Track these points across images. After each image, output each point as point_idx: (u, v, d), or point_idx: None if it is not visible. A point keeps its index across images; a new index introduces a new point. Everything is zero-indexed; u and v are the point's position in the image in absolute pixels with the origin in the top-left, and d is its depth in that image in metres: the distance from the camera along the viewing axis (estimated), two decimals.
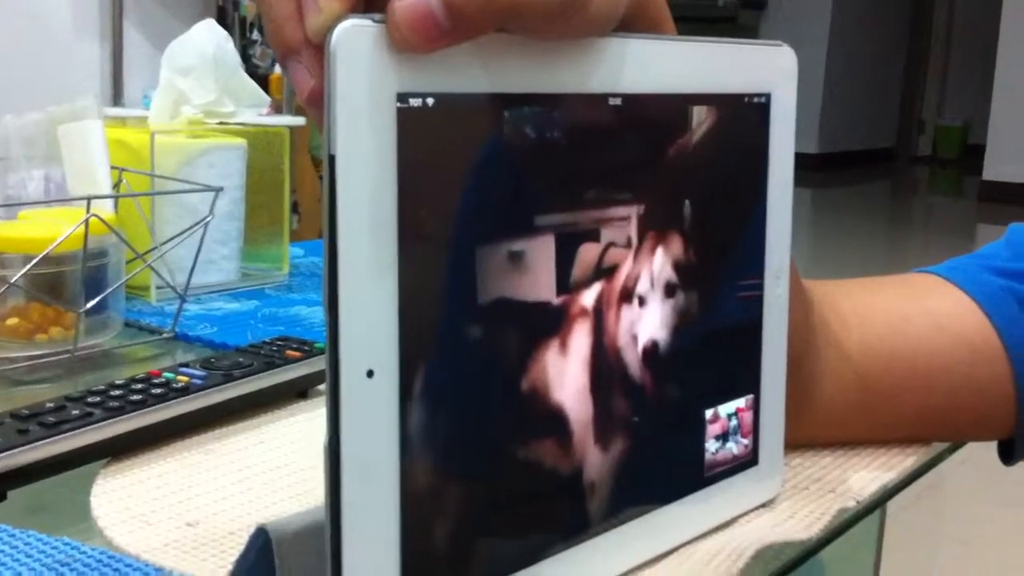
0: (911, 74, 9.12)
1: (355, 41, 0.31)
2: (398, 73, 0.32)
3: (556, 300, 0.38)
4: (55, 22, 3.55)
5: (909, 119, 9.20)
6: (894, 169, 8.83)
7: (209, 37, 0.88)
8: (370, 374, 0.32)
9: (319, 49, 0.31)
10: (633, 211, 0.41)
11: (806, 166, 7.60)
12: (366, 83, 0.31)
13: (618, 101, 0.39)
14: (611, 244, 0.40)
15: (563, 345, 0.39)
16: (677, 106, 0.42)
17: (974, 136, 8.32)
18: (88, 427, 0.52)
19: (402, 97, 0.32)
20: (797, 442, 0.55)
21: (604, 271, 0.40)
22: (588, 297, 0.39)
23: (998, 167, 6.68)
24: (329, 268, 0.31)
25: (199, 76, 0.88)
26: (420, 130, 0.32)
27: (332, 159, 0.30)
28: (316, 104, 0.31)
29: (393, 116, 0.32)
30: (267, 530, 0.36)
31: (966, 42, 8.88)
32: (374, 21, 0.31)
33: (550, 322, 0.38)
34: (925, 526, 2.18)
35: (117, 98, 3.58)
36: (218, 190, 0.76)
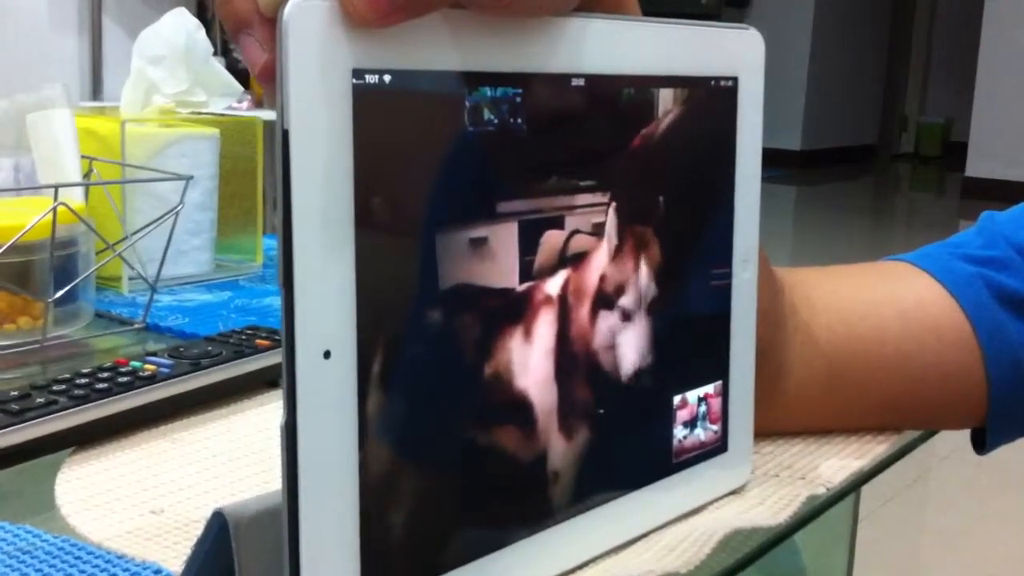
0: (893, 72, 9.15)
1: (309, 15, 0.30)
2: (353, 49, 0.31)
3: (520, 287, 0.38)
4: (32, 16, 3.53)
5: (891, 116, 9.23)
6: (876, 166, 8.86)
7: (179, 26, 0.88)
8: (327, 355, 0.32)
9: (271, 23, 0.31)
10: (599, 198, 0.40)
11: (789, 163, 7.62)
12: (320, 58, 0.30)
13: (581, 82, 0.39)
14: (576, 231, 0.40)
15: (527, 332, 0.38)
16: (642, 88, 0.42)
17: (956, 133, 8.36)
18: (53, 415, 0.52)
19: (358, 73, 0.31)
20: (767, 429, 0.55)
21: (570, 259, 0.40)
22: (553, 285, 0.39)
23: (980, 164, 6.71)
24: (284, 246, 0.31)
25: (170, 65, 0.87)
26: (377, 107, 0.32)
27: (286, 135, 0.30)
28: (268, 79, 0.31)
29: (349, 92, 0.31)
30: (224, 513, 0.35)
31: (948, 39, 8.91)
32: None
33: (513, 309, 0.38)
34: (907, 519, 2.18)
35: (96, 92, 3.56)
36: (188, 178, 0.76)
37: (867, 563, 1.85)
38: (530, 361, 0.38)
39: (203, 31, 0.91)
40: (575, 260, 0.40)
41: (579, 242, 0.40)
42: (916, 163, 9.02)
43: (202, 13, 3.55)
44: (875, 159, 9.01)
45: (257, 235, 0.95)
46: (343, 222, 0.31)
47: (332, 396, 0.32)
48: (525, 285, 0.38)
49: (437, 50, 0.34)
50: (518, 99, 0.36)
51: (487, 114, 0.36)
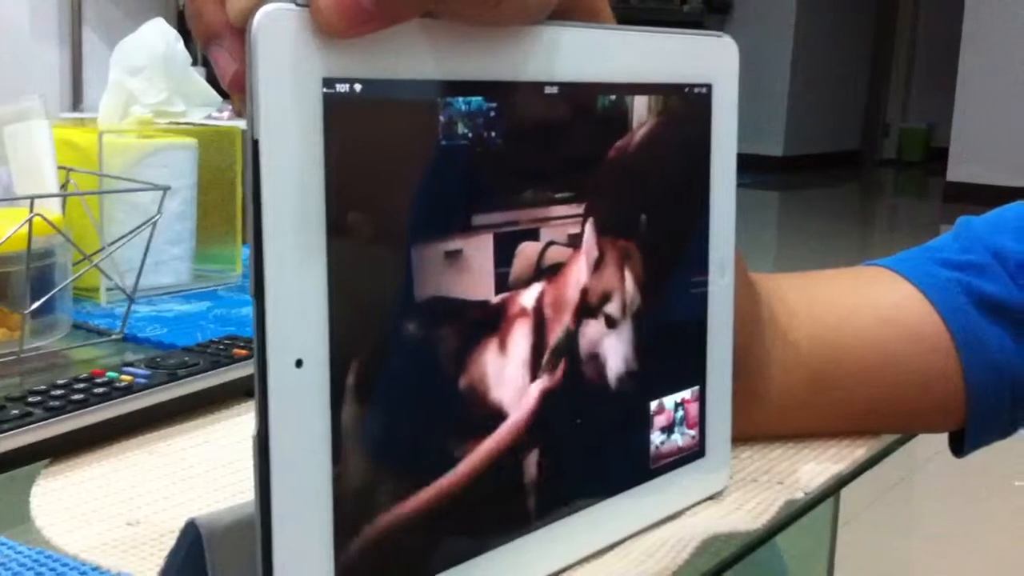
0: (875, 77, 9.18)
1: (278, 25, 0.30)
2: (324, 58, 0.31)
3: (495, 299, 0.38)
4: (12, 28, 3.52)
5: (874, 122, 9.27)
6: (860, 171, 8.89)
7: (159, 36, 0.87)
8: (299, 364, 0.31)
9: (241, 33, 0.31)
10: (575, 209, 0.40)
11: (772, 168, 7.65)
12: (290, 68, 0.30)
13: (554, 90, 0.39)
14: (551, 243, 0.40)
15: (503, 344, 0.38)
16: (616, 96, 0.42)
17: (938, 139, 8.39)
18: (27, 427, 0.51)
19: (328, 82, 0.31)
20: (746, 434, 0.55)
21: (545, 270, 0.40)
22: (529, 296, 0.39)
23: (962, 169, 6.74)
24: (255, 255, 0.31)
25: (149, 76, 0.87)
26: (348, 116, 0.32)
27: (256, 144, 0.30)
28: (239, 89, 0.31)
29: (319, 102, 0.31)
30: (197, 524, 0.35)
31: (929, 45, 8.96)
32: (297, 4, 0.30)
33: (489, 321, 0.38)
34: (890, 523, 2.19)
35: (77, 102, 3.55)
36: (165, 189, 0.76)
37: (850, 566, 1.85)
38: (506, 372, 0.38)
39: (181, 41, 0.90)
40: (550, 272, 0.40)
41: (554, 253, 0.40)
42: (899, 168, 9.06)
43: (181, 23, 3.54)
44: (858, 164, 9.05)
45: (236, 245, 0.95)
46: (315, 231, 0.31)
47: (305, 405, 0.32)
48: (500, 297, 0.38)
49: (409, 59, 0.34)
50: (492, 112, 0.36)
51: (461, 127, 0.36)
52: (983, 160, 6.62)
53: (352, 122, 0.32)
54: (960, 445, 0.60)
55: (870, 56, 9.09)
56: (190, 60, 0.92)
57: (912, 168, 8.94)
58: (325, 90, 0.31)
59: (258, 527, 0.31)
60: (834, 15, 8.33)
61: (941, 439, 0.62)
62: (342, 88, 0.32)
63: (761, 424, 0.56)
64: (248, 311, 0.84)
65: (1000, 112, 6.59)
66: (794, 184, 7.60)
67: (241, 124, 0.94)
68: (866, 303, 0.58)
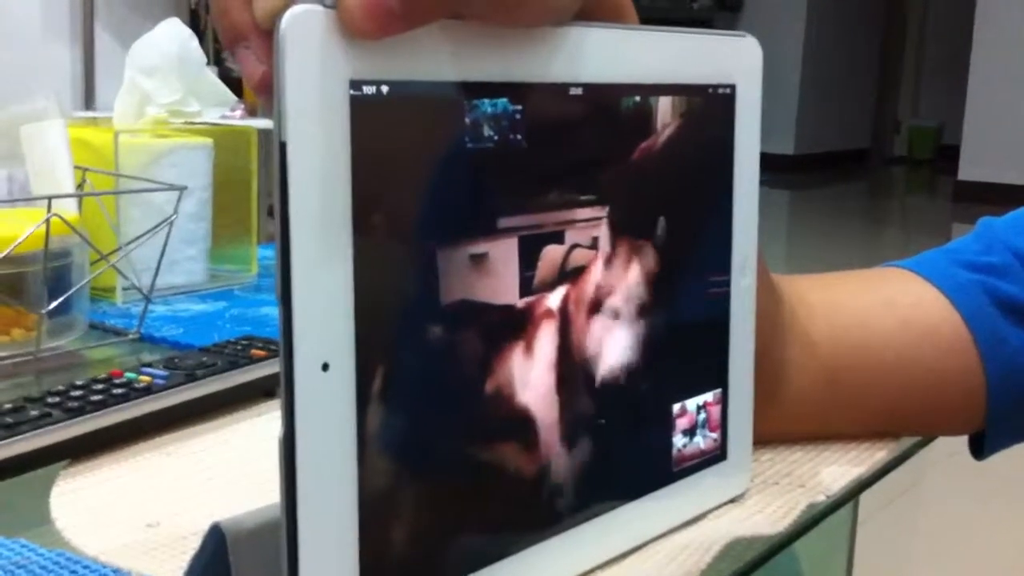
0: (886, 75, 9.16)
1: (305, 26, 0.30)
2: (351, 60, 0.31)
3: (520, 303, 0.38)
4: (24, 25, 3.53)
5: (884, 120, 9.24)
6: (870, 170, 8.87)
7: (173, 36, 0.87)
8: (325, 367, 0.31)
9: (268, 34, 0.30)
10: (599, 211, 0.40)
11: (783, 167, 7.63)
12: (317, 70, 0.30)
13: (579, 91, 0.39)
14: (576, 245, 0.39)
15: (528, 347, 0.38)
16: (640, 97, 0.42)
17: (948, 137, 8.36)
18: (47, 428, 0.51)
19: (355, 84, 0.31)
20: (766, 436, 0.54)
21: (569, 273, 0.39)
22: (553, 299, 0.39)
23: (972, 167, 6.72)
24: (282, 258, 0.30)
25: (164, 75, 0.87)
26: (375, 119, 0.32)
27: (283, 146, 0.30)
28: (266, 91, 0.31)
29: (346, 104, 0.31)
30: (221, 527, 0.35)
31: (940, 43, 8.93)
32: (325, 6, 0.30)
33: (514, 324, 0.38)
34: (901, 525, 2.18)
35: (89, 101, 3.56)
36: (182, 189, 0.76)
37: (862, 568, 1.85)
38: (531, 375, 0.38)
39: (196, 41, 0.90)
40: (574, 274, 0.40)
41: (579, 256, 0.40)
42: (909, 166, 9.04)
43: (195, 23, 3.55)
44: (868, 162, 9.03)
45: (252, 244, 0.95)
46: (341, 234, 0.31)
47: (331, 409, 0.32)
48: (525, 300, 0.38)
49: (435, 61, 0.33)
50: (517, 114, 0.36)
51: (487, 129, 0.35)
52: (994, 159, 6.59)
53: (379, 124, 0.32)
54: (980, 447, 0.60)
55: (880, 53, 9.07)
56: (204, 60, 0.92)
57: (922, 166, 8.92)
58: (352, 92, 0.31)
59: (284, 531, 0.31)
60: (844, 12, 8.31)
61: (953, 442, 0.61)
62: (369, 90, 0.31)
63: (781, 426, 0.55)
64: (265, 311, 0.84)
65: (1012, 110, 6.57)
66: (805, 183, 7.59)
67: (255, 123, 0.94)
68: (886, 304, 0.57)
